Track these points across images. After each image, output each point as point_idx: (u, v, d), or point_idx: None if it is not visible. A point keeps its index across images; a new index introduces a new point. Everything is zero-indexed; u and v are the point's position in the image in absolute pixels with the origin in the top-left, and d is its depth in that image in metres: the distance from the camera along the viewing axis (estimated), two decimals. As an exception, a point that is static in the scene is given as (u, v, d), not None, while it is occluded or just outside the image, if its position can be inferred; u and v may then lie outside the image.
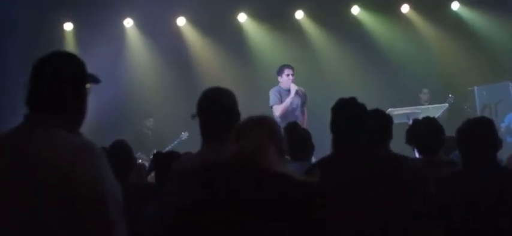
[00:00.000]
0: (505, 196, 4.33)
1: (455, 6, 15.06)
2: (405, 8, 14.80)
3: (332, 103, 4.48)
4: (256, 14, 14.09)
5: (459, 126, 4.75)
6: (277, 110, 10.86)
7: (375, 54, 14.51)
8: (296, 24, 14.48)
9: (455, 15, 15.16)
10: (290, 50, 14.26)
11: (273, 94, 11.06)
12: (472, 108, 14.18)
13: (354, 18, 14.64)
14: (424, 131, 5.70)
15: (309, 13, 14.37)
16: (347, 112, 4.39)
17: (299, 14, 14.38)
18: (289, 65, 11.25)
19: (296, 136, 5.98)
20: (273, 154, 3.26)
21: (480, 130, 4.58)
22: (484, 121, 4.77)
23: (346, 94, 11.97)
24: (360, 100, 4.41)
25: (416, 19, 14.94)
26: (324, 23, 14.35)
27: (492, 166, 4.53)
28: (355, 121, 4.38)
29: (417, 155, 5.89)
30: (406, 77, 14.51)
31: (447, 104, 12.43)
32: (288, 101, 10.92)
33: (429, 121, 5.86)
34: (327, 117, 4.43)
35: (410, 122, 10.19)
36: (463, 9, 15.11)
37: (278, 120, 10.04)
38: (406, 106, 11.75)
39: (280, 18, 14.17)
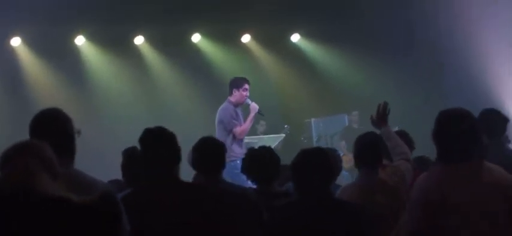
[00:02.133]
0: (336, 228, 4.41)
1: (295, 38, 15.61)
2: (246, 38, 15.24)
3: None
4: (95, 37, 14.09)
5: (295, 156, 4.74)
6: (240, 133, 9.95)
7: (214, 83, 14.80)
8: (136, 49, 14.62)
9: (295, 47, 15.76)
10: (129, 75, 14.42)
11: (228, 115, 10.02)
12: (309, 140, 14.68)
13: (194, 46, 14.93)
14: (259, 161, 5.73)
15: (149, 39, 14.54)
16: (158, 141, 4.47)
17: (139, 40, 14.50)
18: (246, 78, 10.44)
19: (134, 161, 5.63)
20: (46, 178, 3.06)
21: (313, 161, 4.57)
22: (318, 152, 4.74)
23: (184, 123, 12.22)
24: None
25: (257, 50, 15.43)
26: (164, 49, 14.59)
27: (324, 197, 4.54)
28: (167, 150, 4.44)
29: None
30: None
31: (284, 134, 12.79)
32: (249, 121, 10.16)
33: (264, 151, 5.88)
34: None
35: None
36: (303, 42, 15.75)
37: (239, 143, 9.86)
38: (243, 136, 11.90)
39: (120, 43, 14.24)
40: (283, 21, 14.78)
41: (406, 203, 5.28)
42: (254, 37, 15.32)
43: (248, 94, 10.20)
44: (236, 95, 10.15)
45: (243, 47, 15.37)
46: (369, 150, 5.47)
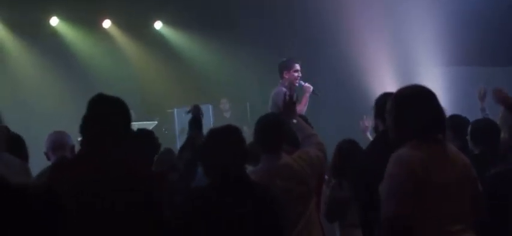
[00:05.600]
0: (254, 211, 4.26)
1: (158, 25, 15.44)
2: (107, 23, 14.94)
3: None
4: None
5: (203, 139, 4.59)
6: None
7: (74, 69, 14.46)
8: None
9: (158, 34, 15.58)
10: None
11: (282, 97, 9.56)
12: (171, 130, 14.48)
13: (53, 30, 14.56)
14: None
15: (4, 21, 14.08)
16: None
17: (-6, 23, 13.97)
18: (296, 59, 9.97)
19: None
20: None
21: (228, 140, 4.38)
22: (230, 129, 4.49)
23: (43, 107, 11.76)
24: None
25: (119, 36, 15.18)
26: (20, 32, 14.19)
27: (241, 179, 4.37)
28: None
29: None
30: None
31: (156, 122, 12.55)
32: (305, 101, 9.59)
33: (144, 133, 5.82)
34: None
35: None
36: (166, 29, 15.62)
37: None
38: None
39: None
40: (145, 8, 14.60)
41: (312, 189, 5.23)
42: (115, 23, 15.05)
43: (300, 74, 9.77)
44: (287, 77, 9.74)
45: (105, 32, 15.10)
46: (270, 132, 5.24)
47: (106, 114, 4.18)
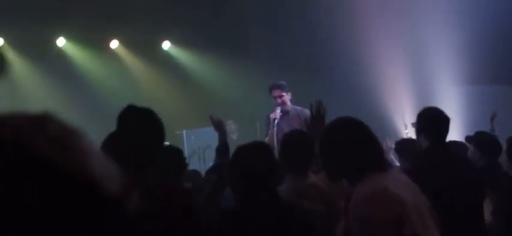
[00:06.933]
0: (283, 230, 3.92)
1: (166, 45, 15.25)
2: (114, 44, 14.75)
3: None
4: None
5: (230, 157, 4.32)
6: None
7: (81, 90, 14.25)
8: (-5, 52, 13.83)
9: (166, 54, 15.40)
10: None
11: (266, 123, 9.46)
12: (180, 153, 14.22)
13: (60, 50, 14.45)
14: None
15: (11, 43, 13.94)
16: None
17: (-3, 43, 13.87)
18: (279, 84, 9.44)
19: None
20: None
21: (260, 159, 4.02)
22: (260, 147, 4.22)
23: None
24: None
25: (127, 56, 15.05)
26: (26, 53, 14.05)
27: (275, 201, 4.00)
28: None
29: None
30: (115, 116, 14.30)
31: (167, 143, 12.30)
32: (271, 131, 8.91)
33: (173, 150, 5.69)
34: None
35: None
36: (174, 50, 15.44)
37: None
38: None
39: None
40: (153, 28, 14.46)
41: (340, 210, 4.90)
42: (123, 43, 14.88)
43: (279, 101, 9.22)
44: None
45: (112, 53, 15.00)
46: (295, 150, 4.91)
47: (139, 128, 3.87)
